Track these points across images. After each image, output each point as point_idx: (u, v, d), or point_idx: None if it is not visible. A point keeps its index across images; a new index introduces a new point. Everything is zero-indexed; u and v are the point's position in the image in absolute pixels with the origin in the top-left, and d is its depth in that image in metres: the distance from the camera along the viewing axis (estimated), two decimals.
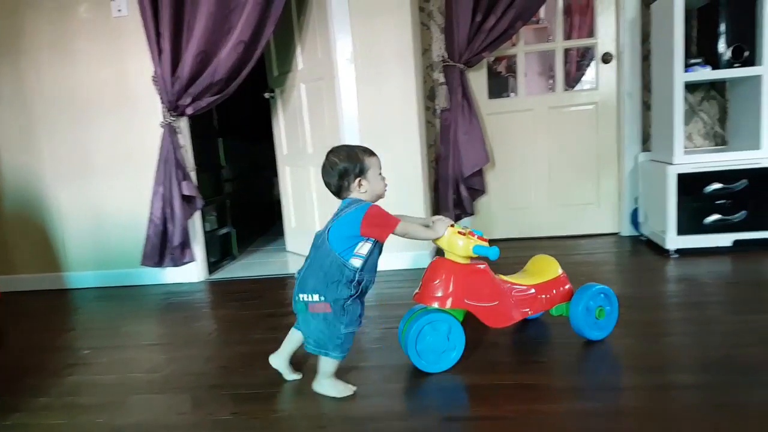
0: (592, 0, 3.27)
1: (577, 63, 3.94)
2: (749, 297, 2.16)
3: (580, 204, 3.44)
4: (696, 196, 2.73)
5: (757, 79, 2.68)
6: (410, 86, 2.87)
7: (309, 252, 1.63)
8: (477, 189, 3.37)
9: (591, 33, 3.35)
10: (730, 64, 2.72)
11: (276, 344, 1.73)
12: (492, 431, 1.39)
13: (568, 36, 3.50)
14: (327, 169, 1.63)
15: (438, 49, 3.32)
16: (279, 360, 1.72)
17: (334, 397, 1.58)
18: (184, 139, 3.01)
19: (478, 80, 3.38)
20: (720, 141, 3.18)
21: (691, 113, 3.16)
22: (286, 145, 3.56)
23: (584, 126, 3.37)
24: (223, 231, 3.56)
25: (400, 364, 1.77)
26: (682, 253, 2.76)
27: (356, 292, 1.55)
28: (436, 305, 1.66)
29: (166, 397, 1.72)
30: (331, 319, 1.54)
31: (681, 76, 2.70)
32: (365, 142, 2.89)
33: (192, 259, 3.05)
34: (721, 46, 2.72)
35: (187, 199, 2.95)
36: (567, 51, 3.46)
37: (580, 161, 3.39)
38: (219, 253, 3.47)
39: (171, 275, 3.11)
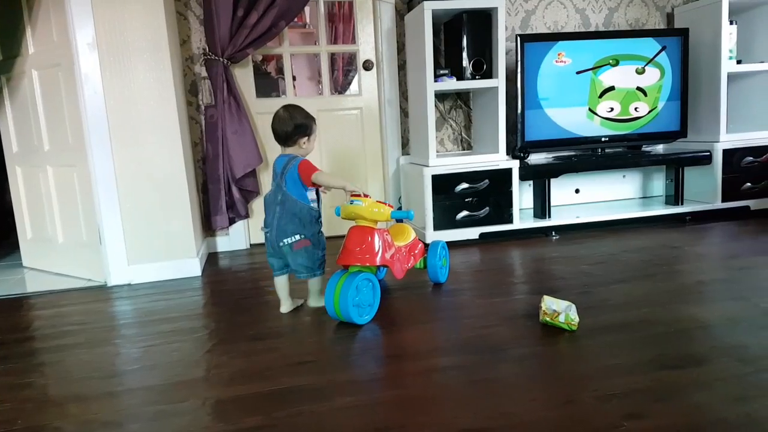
0: (354, 8, 3.40)
1: (345, 69, 4.09)
2: (492, 282, 2.43)
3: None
4: (448, 195, 3.00)
5: (494, 91, 3.05)
6: (167, 78, 2.64)
7: (271, 210, 2.05)
8: (251, 190, 3.26)
9: (354, 40, 3.48)
10: (472, 76, 3.05)
11: (8, 377, 1.44)
12: None
13: (334, 42, 3.59)
14: (284, 120, 2.04)
15: (198, 41, 3.13)
16: (287, 305, 2.16)
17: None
18: None
19: (244, 78, 3.27)
20: (467, 146, 3.56)
21: (442, 120, 3.48)
22: (16, 142, 3.02)
23: (351, 130, 3.48)
24: None
25: (163, 383, 1.61)
26: None
27: (320, 225, 2.09)
28: (367, 264, 1.98)
29: None
30: (311, 249, 2.05)
31: (432, 86, 2.94)
32: (116, 138, 2.61)
33: None
34: (464, 59, 3.04)
35: None
36: (335, 57, 3.55)
37: (349, 163, 3.49)
38: None
39: None
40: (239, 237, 3.33)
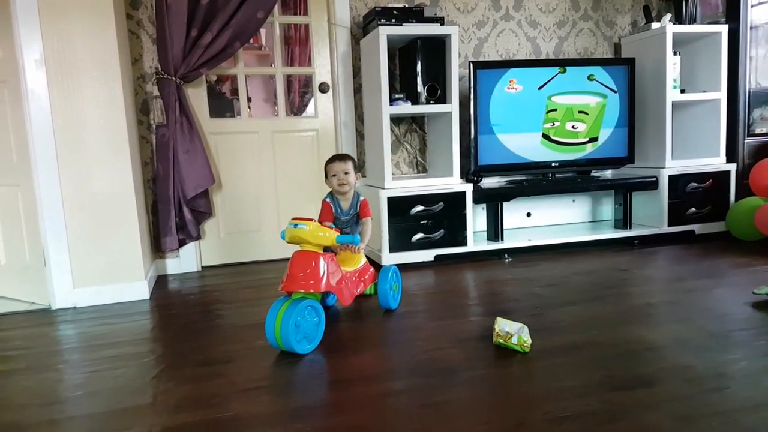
0: (309, 31, 3.42)
1: (300, 92, 4.09)
2: (446, 304, 2.44)
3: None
4: (404, 217, 3.02)
5: (448, 115, 3.10)
6: (117, 97, 2.58)
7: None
8: (203, 211, 3.19)
9: (310, 63, 3.48)
10: (426, 101, 3.09)
11: None
12: None
13: (290, 64, 3.59)
14: None
15: (150, 60, 3.08)
16: None
17: None
18: None
19: (197, 97, 3.22)
20: (422, 169, 3.59)
21: (397, 143, 3.51)
22: None
23: (307, 151, 3.47)
24: None
25: (107, 411, 1.55)
26: None
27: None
28: (311, 291, 1.91)
29: None
30: None
31: (387, 109, 2.97)
32: (63, 157, 2.54)
33: None
34: (419, 84, 3.09)
35: None
36: (291, 79, 3.55)
37: (304, 184, 3.47)
38: None
39: None
40: (190, 259, 3.25)
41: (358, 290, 2.22)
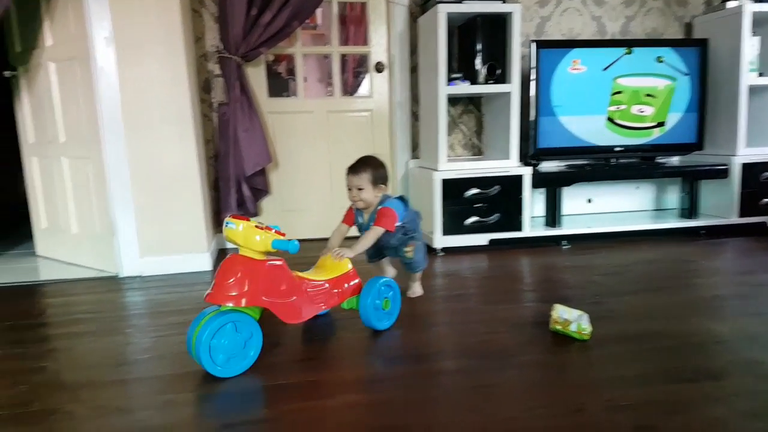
0: (366, 10, 3.39)
1: (355, 71, 4.08)
2: (500, 289, 2.40)
3: None
4: (457, 200, 2.98)
5: (507, 96, 3.03)
6: (181, 75, 2.64)
7: None
8: (260, 189, 3.25)
9: (366, 42, 3.47)
10: (485, 81, 3.03)
11: (23, 361, 1.46)
12: None
13: (345, 43, 3.58)
14: None
15: (212, 39, 3.13)
16: (390, 272, 2.39)
17: None
18: None
19: (257, 77, 3.27)
20: (477, 151, 3.53)
21: (453, 124, 3.46)
22: (33, 133, 3.03)
23: (361, 132, 3.47)
24: None
25: (173, 373, 1.61)
26: (447, 251, 2.99)
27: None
28: (230, 304, 1.57)
29: None
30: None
31: (444, 89, 2.93)
32: (131, 133, 2.62)
33: None
34: (478, 63, 3.02)
35: None
36: (345, 59, 3.54)
37: None
38: None
39: None
40: None
41: (329, 304, 1.84)
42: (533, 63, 3.07)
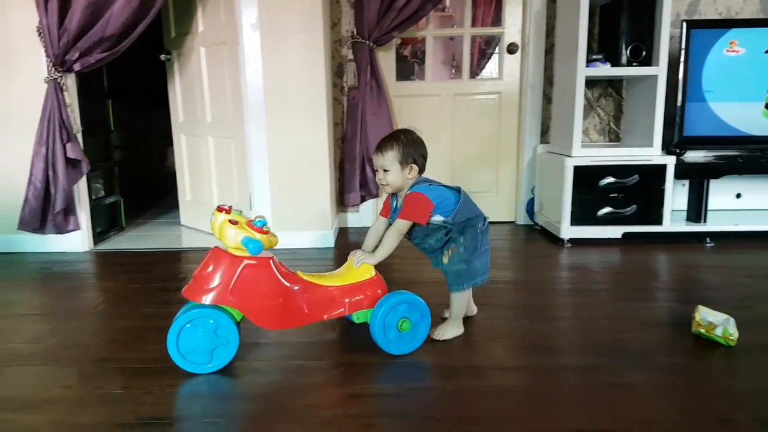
0: None
1: (480, 52, 3.99)
2: (635, 286, 2.25)
3: (478, 191, 3.45)
4: (590, 189, 2.83)
5: (652, 79, 2.82)
6: (319, 60, 2.75)
7: None
8: None
9: (497, 22, 3.38)
10: (628, 63, 2.83)
11: (169, 319, 1.54)
12: (387, 406, 1.35)
13: (472, 25, 3.50)
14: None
15: (347, 24, 3.21)
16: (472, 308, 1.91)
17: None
18: (71, 98, 2.75)
19: (386, 61, 3.31)
20: (614, 137, 3.33)
21: (589, 108, 3.29)
22: (183, 113, 3.32)
23: (487, 115, 3.40)
24: (111, 200, 3.26)
25: (302, 342, 1.70)
26: (575, 242, 2.87)
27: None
28: (197, 301, 1.49)
29: (48, 369, 1.58)
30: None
31: (583, 71, 2.78)
32: (270, 116, 2.77)
33: (76, 228, 2.85)
34: (621, 44, 2.84)
35: (71, 163, 2.72)
36: (472, 39, 3.47)
37: (481, 149, 3.43)
38: (105, 223, 3.19)
39: (53, 243, 2.87)
40: (368, 214, 3.41)
41: (332, 314, 1.61)
42: (683, 44, 2.82)
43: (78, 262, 2.74)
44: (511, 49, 3.31)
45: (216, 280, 1.48)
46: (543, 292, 2.20)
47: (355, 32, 3.10)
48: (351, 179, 3.22)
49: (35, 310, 2.15)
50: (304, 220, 2.89)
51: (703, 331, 1.67)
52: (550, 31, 3.21)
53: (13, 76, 2.75)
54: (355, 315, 1.63)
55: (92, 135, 3.01)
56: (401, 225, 1.64)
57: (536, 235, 3.16)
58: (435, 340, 1.70)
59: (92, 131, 3.01)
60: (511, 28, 3.30)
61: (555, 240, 2.94)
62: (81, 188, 2.87)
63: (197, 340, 1.49)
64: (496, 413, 1.31)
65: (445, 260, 1.70)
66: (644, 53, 2.80)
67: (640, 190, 2.82)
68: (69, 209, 2.79)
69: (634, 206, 2.84)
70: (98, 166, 3.07)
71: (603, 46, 3.00)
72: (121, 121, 3.49)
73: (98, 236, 3.04)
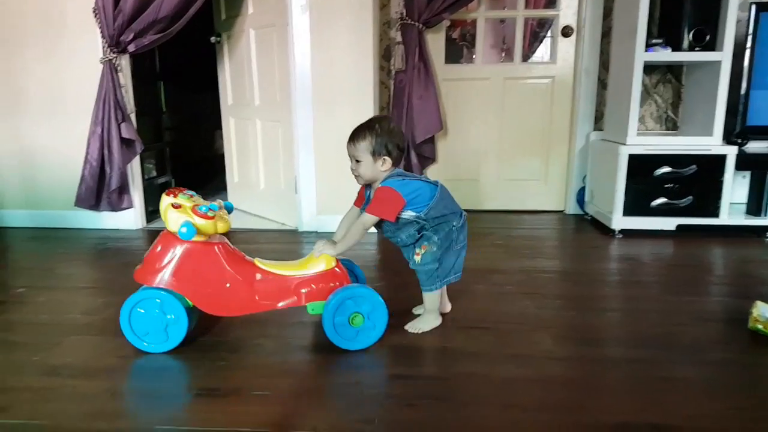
0: None
1: (533, 35, 3.89)
2: (688, 280, 2.17)
3: (527, 180, 3.41)
4: (644, 179, 2.73)
5: (716, 65, 2.68)
6: (367, 43, 2.73)
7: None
8: (427, 156, 3.28)
9: (551, 4, 3.28)
10: (690, 48, 2.71)
11: None
12: (431, 389, 1.35)
13: (525, 6, 3.41)
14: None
15: (396, 6, 3.17)
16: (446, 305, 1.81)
17: None
18: (125, 79, 2.84)
19: (435, 43, 3.26)
20: (671, 125, 3.20)
21: (646, 95, 3.16)
22: (232, 96, 3.36)
23: (538, 100, 3.32)
24: (162, 180, 3.36)
25: None
26: (626, 233, 2.78)
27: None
28: (145, 284, 1.51)
29: (105, 339, 1.65)
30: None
31: (642, 56, 2.67)
32: (317, 98, 2.77)
33: (130, 206, 2.97)
34: (683, 28, 2.71)
35: (126, 143, 2.82)
36: (525, 22, 3.39)
37: (530, 136, 3.35)
38: (157, 202, 3.26)
39: (108, 220, 2.99)
40: None
41: (286, 303, 1.56)
42: (750, 29, 2.67)
43: (131, 238, 2.84)
44: (566, 32, 3.21)
45: (160, 264, 1.49)
46: (592, 283, 2.14)
47: (405, 14, 3.06)
48: None
49: (91, 283, 2.25)
50: (346, 205, 2.87)
51: (761, 327, 1.60)
52: (607, 14, 3.10)
53: (70, 58, 2.84)
54: (310, 307, 1.57)
55: (145, 116, 3.09)
56: (367, 219, 1.58)
57: (586, 225, 3.08)
58: (470, 328, 1.69)
59: (145, 113, 3.09)
60: (566, 10, 3.20)
61: (605, 230, 2.86)
62: (134, 168, 2.96)
63: (148, 322, 1.50)
64: (542, 401, 1.29)
65: (417, 258, 1.62)
66: (708, 38, 2.66)
67: (698, 180, 2.70)
68: (123, 188, 2.89)
69: (690, 197, 2.72)
70: (150, 146, 3.16)
71: (663, 30, 2.87)
72: (172, 103, 3.57)
73: (150, 215, 3.14)
